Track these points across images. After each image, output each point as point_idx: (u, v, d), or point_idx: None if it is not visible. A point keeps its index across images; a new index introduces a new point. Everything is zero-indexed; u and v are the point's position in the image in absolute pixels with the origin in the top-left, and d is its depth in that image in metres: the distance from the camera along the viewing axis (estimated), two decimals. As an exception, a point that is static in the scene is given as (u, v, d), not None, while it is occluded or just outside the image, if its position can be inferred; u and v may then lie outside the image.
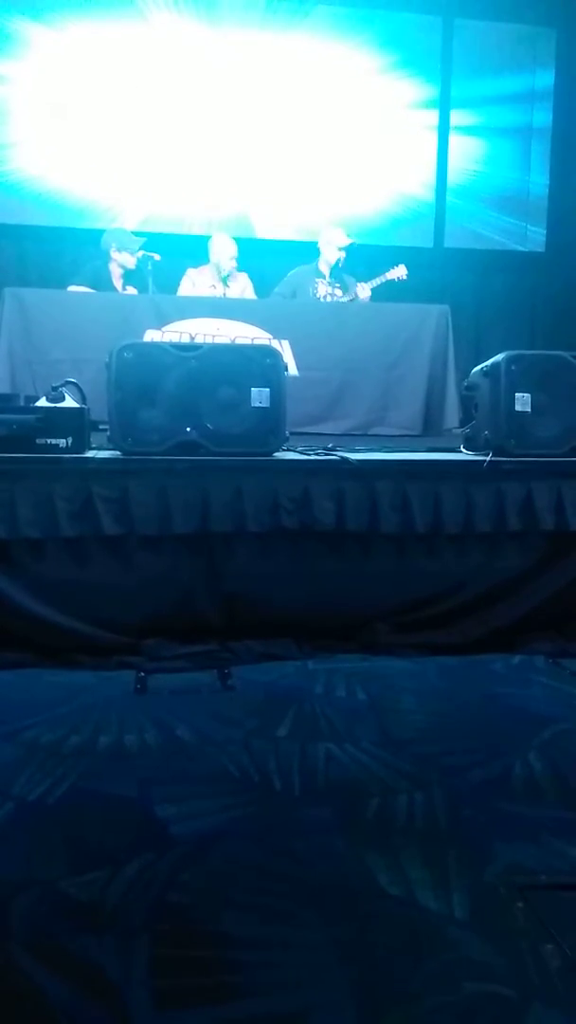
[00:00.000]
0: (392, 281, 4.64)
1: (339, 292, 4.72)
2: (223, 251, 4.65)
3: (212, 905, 1.36)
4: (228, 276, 4.64)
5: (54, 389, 2.65)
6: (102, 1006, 1.14)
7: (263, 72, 5.93)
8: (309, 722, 2.16)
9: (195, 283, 4.67)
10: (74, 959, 1.23)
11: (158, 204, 5.91)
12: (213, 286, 4.65)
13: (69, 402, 2.65)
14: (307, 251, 5.00)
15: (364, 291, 4.66)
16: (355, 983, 1.19)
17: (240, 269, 4.75)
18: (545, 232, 6.42)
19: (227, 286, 4.65)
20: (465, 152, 6.30)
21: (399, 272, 4.61)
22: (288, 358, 3.81)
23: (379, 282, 4.66)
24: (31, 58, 5.69)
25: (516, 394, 2.74)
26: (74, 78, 5.74)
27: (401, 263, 4.64)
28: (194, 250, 4.89)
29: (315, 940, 1.28)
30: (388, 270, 4.64)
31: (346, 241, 4.72)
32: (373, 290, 4.68)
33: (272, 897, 1.39)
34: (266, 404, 2.67)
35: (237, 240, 4.78)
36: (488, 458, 2.70)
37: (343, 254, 4.73)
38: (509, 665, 2.64)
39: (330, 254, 4.74)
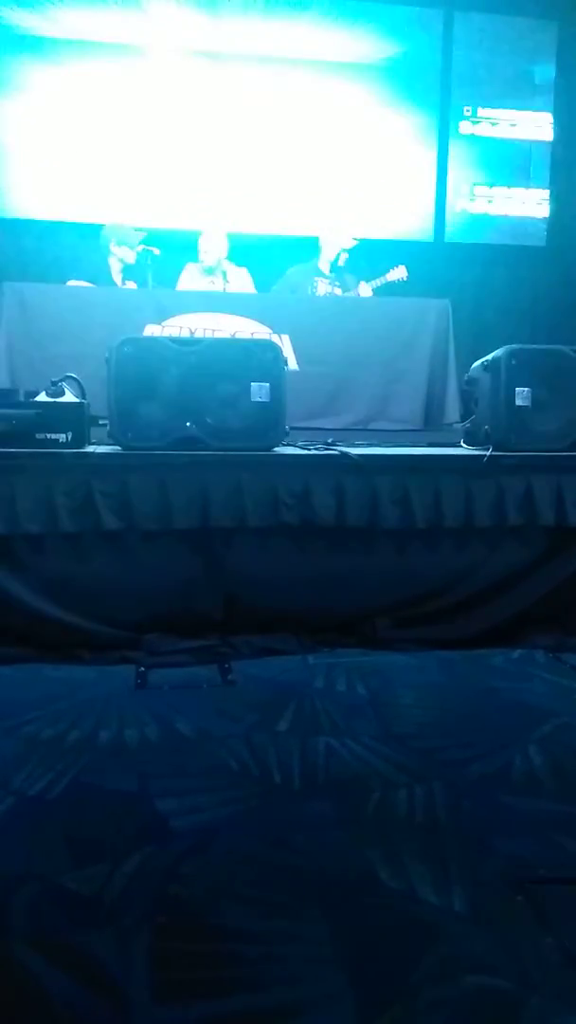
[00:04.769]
0: (393, 283, 4.63)
1: (338, 291, 4.70)
2: (211, 246, 4.62)
3: (212, 899, 1.37)
4: (225, 271, 4.62)
5: (53, 384, 2.64)
6: (102, 1000, 1.14)
7: (263, 67, 5.91)
8: (309, 717, 2.16)
9: (195, 278, 4.66)
10: (75, 953, 1.23)
11: (157, 199, 5.88)
12: (212, 281, 4.63)
13: (69, 397, 2.64)
14: (307, 247, 4.97)
15: (366, 290, 4.64)
16: (355, 976, 1.19)
17: (240, 264, 4.74)
18: (546, 226, 6.40)
19: (226, 281, 4.63)
20: (465, 146, 6.27)
21: (399, 273, 4.58)
22: (288, 352, 3.79)
23: (379, 283, 4.64)
24: (30, 53, 5.66)
25: (516, 388, 2.74)
26: (75, 73, 5.71)
27: (401, 263, 4.61)
28: (194, 245, 4.85)
29: (315, 934, 1.28)
30: (388, 271, 4.62)
31: (351, 243, 4.70)
32: (374, 291, 4.66)
33: (272, 891, 1.40)
34: (266, 399, 2.66)
35: (237, 236, 4.76)
36: (488, 453, 2.70)
37: (345, 253, 4.71)
38: (509, 659, 2.65)
39: (331, 252, 4.72)
